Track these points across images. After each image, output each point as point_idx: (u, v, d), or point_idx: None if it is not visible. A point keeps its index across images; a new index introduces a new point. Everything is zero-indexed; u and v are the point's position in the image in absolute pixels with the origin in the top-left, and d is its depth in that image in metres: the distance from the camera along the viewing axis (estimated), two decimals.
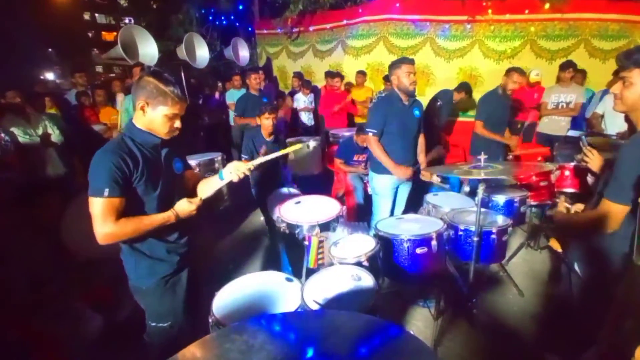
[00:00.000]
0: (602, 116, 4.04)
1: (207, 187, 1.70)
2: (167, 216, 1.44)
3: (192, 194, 1.71)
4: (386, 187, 2.75)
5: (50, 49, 23.96)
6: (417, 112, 2.75)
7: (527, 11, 5.29)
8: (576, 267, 1.74)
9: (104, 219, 1.29)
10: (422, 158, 2.95)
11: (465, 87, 4.78)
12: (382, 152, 2.63)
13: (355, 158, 3.71)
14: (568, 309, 2.06)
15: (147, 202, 1.43)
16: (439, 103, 4.70)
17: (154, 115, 1.39)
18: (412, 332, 0.68)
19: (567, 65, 4.32)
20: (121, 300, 2.05)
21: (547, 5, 5.13)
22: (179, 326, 1.61)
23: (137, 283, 1.53)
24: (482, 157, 1.93)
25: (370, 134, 2.63)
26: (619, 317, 1.43)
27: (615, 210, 1.32)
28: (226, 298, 1.53)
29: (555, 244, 1.68)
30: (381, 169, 2.70)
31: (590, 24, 5.26)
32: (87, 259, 2.26)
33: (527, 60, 5.46)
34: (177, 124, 1.46)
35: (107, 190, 1.27)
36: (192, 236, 1.67)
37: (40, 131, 3.33)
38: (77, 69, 5.26)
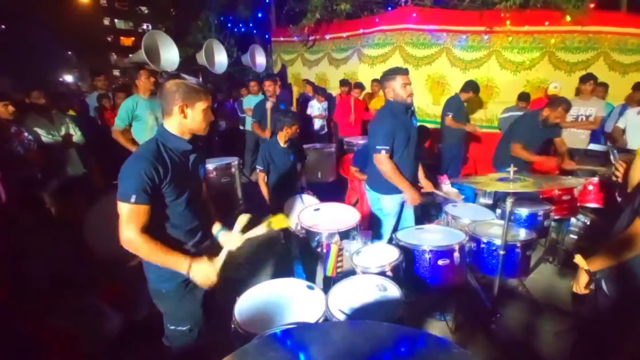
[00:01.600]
0: (624, 130, 3.96)
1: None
2: (182, 262, 1.39)
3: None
4: (395, 206, 2.58)
5: (70, 52, 24.69)
6: (415, 121, 2.60)
7: (546, 23, 5.25)
8: (603, 285, 1.69)
9: (126, 224, 1.31)
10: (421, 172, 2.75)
11: (471, 86, 4.59)
12: (396, 172, 2.41)
13: None
14: (589, 328, 1.99)
15: (173, 206, 1.44)
16: (450, 115, 4.62)
17: (194, 114, 1.40)
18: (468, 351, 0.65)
19: (588, 78, 4.25)
20: (141, 300, 2.05)
21: (568, 18, 5.09)
22: (198, 329, 1.60)
23: (157, 286, 1.52)
24: (512, 169, 1.90)
25: (383, 152, 2.36)
26: None
27: None
28: (247, 304, 1.52)
29: (580, 261, 1.63)
30: (387, 189, 2.51)
31: (609, 37, 5.20)
32: (107, 258, 2.28)
33: (545, 72, 5.41)
34: (211, 115, 1.47)
35: (134, 196, 1.29)
36: (211, 241, 1.68)
37: (62, 131, 3.41)
38: (96, 72, 5.41)
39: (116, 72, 29.95)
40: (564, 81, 5.07)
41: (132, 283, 1.60)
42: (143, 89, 3.33)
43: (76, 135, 3.53)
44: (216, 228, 1.72)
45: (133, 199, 1.29)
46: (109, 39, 36.71)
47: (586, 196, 2.88)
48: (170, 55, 4.45)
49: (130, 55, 5.02)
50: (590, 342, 1.93)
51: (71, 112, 4.34)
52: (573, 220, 3.34)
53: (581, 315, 2.41)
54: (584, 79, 4.24)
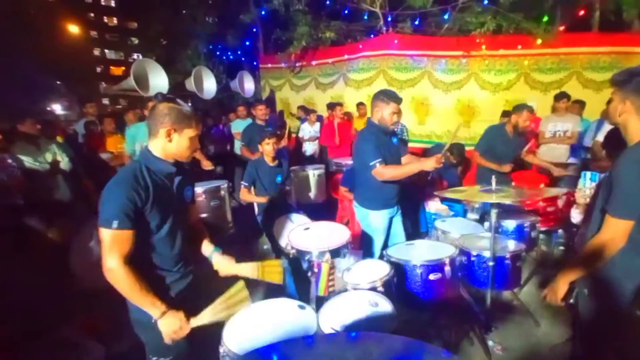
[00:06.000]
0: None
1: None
2: (156, 308, 1.35)
3: (192, 230, 1.68)
4: (383, 222, 2.58)
5: (59, 82, 24.87)
6: (395, 140, 2.65)
7: (519, 47, 5.57)
8: (585, 292, 1.66)
9: (109, 252, 1.26)
10: None
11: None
12: (399, 168, 2.44)
13: None
14: (582, 339, 1.97)
15: (156, 230, 1.40)
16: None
17: (180, 140, 1.40)
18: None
19: (561, 96, 4.48)
20: (122, 330, 1.97)
21: (539, 41, 5.41)
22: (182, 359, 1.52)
23: (139, 316, 1.43)
24: (493, 180, 1.95)
25: (378, 164, 2.35)
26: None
27: (624, 227, 1.31)
28: (237, 327, 1.48)
29: (553, 298, 1.53)
30: (375, 205, 2.54)
31: (581, 57, 5.51)
32: (89, 286, 2.19)
33: (522, 92, 5.67)
34: (197, 143, 1.48)
35: (115, 222, 1.25)
36: (196, 265, 1.63)
37: (49, 158, 3.39)
38: (86, 100, 5.47)
39: (105, 101, 30.10)
40: (540, 100, 5.32)
41: (113, 313, 1.52)
42: None
43: (63, 161, 3.51)
44: (209, 249, 1.68)
45: (115, 225, 1.25)
46: (99, 69, 37.18)
47: (571, 207, 2.95)
48: (159, 81, 4.51)
49: (120, 83, 5.08)
50: (584, 354, 1.90)
51: (59, 139, 4.32)
52: (560, 231, 3.39)
53: (575, 327, 2.40)
54: (558, 97, 4.47)
